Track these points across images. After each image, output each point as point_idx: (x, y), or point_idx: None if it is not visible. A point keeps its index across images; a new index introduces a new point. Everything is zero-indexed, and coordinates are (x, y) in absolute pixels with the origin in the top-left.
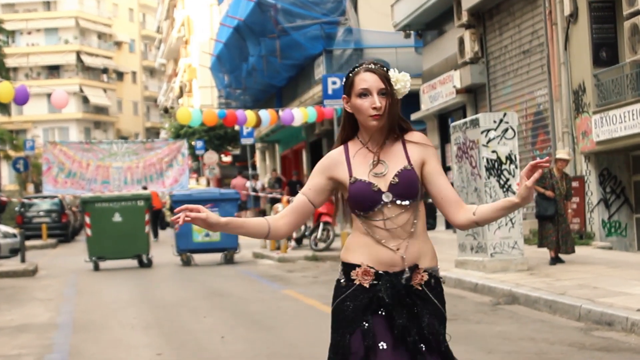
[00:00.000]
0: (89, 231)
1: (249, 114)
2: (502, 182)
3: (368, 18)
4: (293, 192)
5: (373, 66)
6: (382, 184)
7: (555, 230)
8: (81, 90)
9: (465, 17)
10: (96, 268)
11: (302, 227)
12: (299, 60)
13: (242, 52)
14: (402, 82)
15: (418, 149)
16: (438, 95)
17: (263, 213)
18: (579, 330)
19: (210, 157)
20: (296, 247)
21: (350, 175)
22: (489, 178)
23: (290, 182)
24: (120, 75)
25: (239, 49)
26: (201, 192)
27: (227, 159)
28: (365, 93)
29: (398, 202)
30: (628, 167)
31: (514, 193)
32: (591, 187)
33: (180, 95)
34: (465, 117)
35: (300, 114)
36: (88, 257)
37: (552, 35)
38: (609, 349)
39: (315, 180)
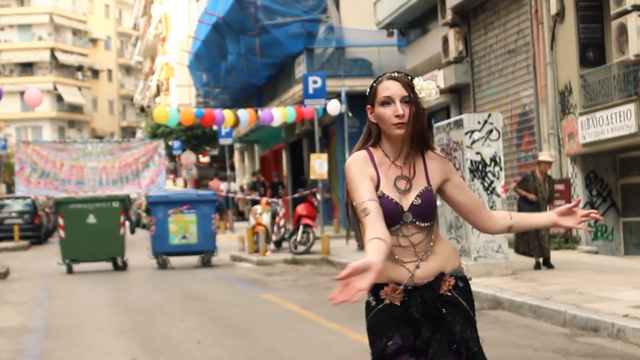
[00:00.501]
0: (62, 233)
1: (227, 114)
2: (486, 185)
3: (350, 16)
4: (274, 194)
5: (396, 74)
6: (404, 203)
7: (537, 236)
8: (55, 89)
9: (449, 16)
10: (69, 271)
11: (282, 230)
12: (279, 58)
13: (220, 50)
14: (426, 90)
15: (438, 167)
16: None
17: (241, 215)
18: (564, 336)
19: (188, 158)
20: (275, 250)
21: (377, 187)
22: (472, 180)
23: (272, 184)
24: (95, 73)
25: (218, 47)
26: (178, 194)
27: (205, 159)
28: (387, 101)
29: (417, 222)
30: (615, 169)
31: (498, 196)
32: (577, 190)
33: (157, 93)
34: (449, 117)
35: (279, 113)
36: (61, 260)
37: (538, 35)
38: (595, 355)
39: (367, 184)
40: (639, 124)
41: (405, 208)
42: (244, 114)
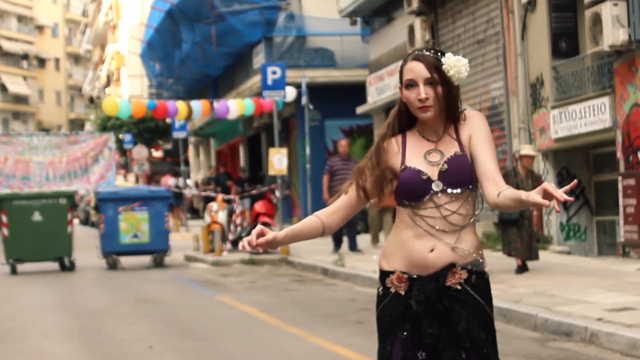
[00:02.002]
0: (5, 231)
1: (181, 105)
2: None
3: (311, 3)
4: (223, 188)
5: (424, 53)
6: (433, 172)
7: (519, 236)
8: None
9: (415, 4)
10: (13, 271)
11: (239, 228)
12: (236, 47)
13: (174, 39)
14: (456, 67)
15: (466, 127)
16: (386, 87)
17: (195, 212)
18: (535, 340)
19: (140, 152)
20: (232, 249)
21: (402, 163)
22: None
23: (239, 180)
24: (41, 62)
25: (172, 35)
26: (129, 190)
27: (157, 154)
28: (411, 84)
29: (449, 190)
30: (588, 166)
31: None
32: None
33: (108, 84)
34: None
35: (236, 106)
36: (4, 260)
37: (509, 24)
38: None
39: (372, 173)
40: (614, 119)
41: (435, 177)
42: (197, 105)
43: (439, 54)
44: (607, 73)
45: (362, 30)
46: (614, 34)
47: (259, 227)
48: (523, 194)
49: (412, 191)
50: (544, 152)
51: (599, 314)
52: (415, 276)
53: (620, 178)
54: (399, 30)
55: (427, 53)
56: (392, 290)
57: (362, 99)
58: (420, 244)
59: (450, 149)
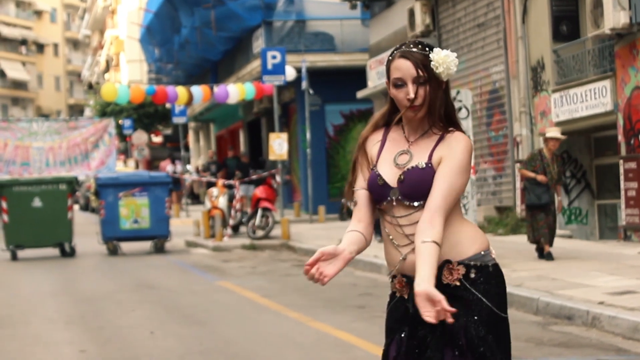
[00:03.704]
0: (5, 217)
1: (180, 91)
2: None
3: None
4: (231, 172)
5: (411, 49)
6: (394, 178)
7: (547, 222)
8: None
9: None
10: (14, 257)
11: (239, 214)
12: (235, 32)
13: (174, 23)
14: (444, 64)
15: (443, 147)
16: None
17: (196, 197)
18: (537, 324)
19: (139, 137)
20: (232, 235)
21: (376, 162)
22: None
23: (243, 165)
24: (40, 47)
25: (171, 20)
26: (129, 176)
27: (157, 139)
28: (399, 83)
29: (404, 201)
30: (589, 149)
31: None
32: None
33: (107, 69)
34: None
35: (236, 90)
36: (5, 246)
37: (509, 8)
38: (569, 344)
39: (368, 167)
40: (615, 102)
41: (394, 184)
42: (198, 90)
43: (427, 49)
44: (608, 56)
45: (362, 14)
46: (615, 17)
47: (330, 250)
48: (418, 275)
49: (372, 193)
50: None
51: (601, 298)
52: (412, 277)
53: (621, 161)
54: (399, 14)
55: (414, 49)
56: (397, 294)
57: (363, 84)
58: (393, 246)
59: (419, 157)
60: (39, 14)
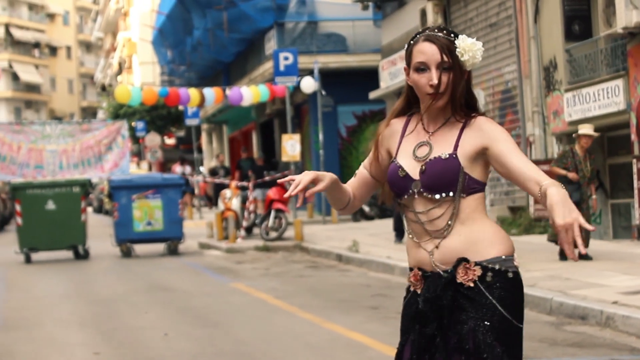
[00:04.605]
0: (19, 220)
1: (193, 93)
2: None
3: None
4: (244, 174)
5: (436, 34)
6: (416, 170)
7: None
8: (10, 67)
9: None
10: (28, 260)
11: (252, 215)
12: (248, 34)
13: (186, 25)
14: (470, 52)
15: (475, 134)
16: (398, 72)
17: (210, 199)
18: (550, 324)
19: (152, 140)
20: (246, 236)
21: (395, 154)
22: None
23: (258, 167)
24: (53, 50)
25: (183, 22)
26: (142, 178)
27: (170, 141)
28: (422, 67)
29: (426, 194)
30: (603, 149)
31: None
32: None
33: (119, 72)
34: None
35: (250, 93)
36: (19, 249)
37: (521, 7)
38: (583, 344)
39: (375, 152)
40: (628, 101)
41: (416, 177)
42: (210, 92)
43: (452, 35)
44: (620, 55)
45: (374, 15)
46: (627, 16)
47: (312, 174)
48: (549, 201)
49: (392, 187)
50: (557, 135)
51: (615, 297)
52: (428, 273)
53: (634, 161)
54: (411, 14)
55: (440, 34)
56: (412, 288)
57: (375, 84)
58: (415, 241)
59: (441, 147)
60: (51, 16)
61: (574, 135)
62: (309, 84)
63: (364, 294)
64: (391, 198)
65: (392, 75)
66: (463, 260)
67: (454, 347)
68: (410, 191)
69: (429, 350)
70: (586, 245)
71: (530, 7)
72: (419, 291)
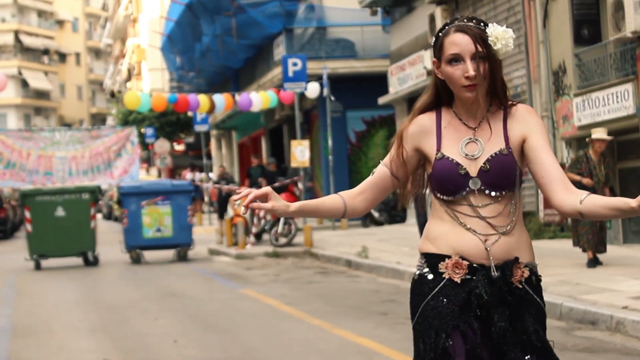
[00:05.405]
0: (29, 227)
1: (202, 99)
2: None
3: None
4: (254, 182)
5: (466, 23)
6: (472, 168)
7: (591, 227)
8: (20, 74)
9: None
10: (37, 267)
11: (262, 221)
12: (256, 40)
13: (195, 32)
14: (502, 40)
15: (519, 125)
16: (407, 77)
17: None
18: (561, 330)
19: (162, 146)
20: (255, 242)
21: (438, 150)
22: None
23: (268, 173)
24: (62, 56)
25: (192, 28)
26: (152, 184)
27: (179, 147)
28: (456, 59)
29: (487, 191)
30: (612, 153)
31: None
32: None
33: (129, 78)
34: None
35: (259, 98)
36: (28, 255)
37: (530, 12)
38: (593, 349)
39: (399, 150)
40: (637, 105)
41: (474, 173)
42: (220, 99)
43: (482, 24)
44: (630, 59)
45: (383, 20)
46: (636, 20)
47: (265, 189)
48: (624, 202)
49: (446, 185)
50: (567, 140)
51: (625, 302)
52: (476, 265)
53: None
54: (419, 19)
55: (470, 23)
56: (446, 275)
57: (384, 90)
58: (469, 233)
59: (493, 142)
60: (60, 23)
61: (587, 139)
62: (314, 89)
63: (373, 299)
64: (409, 199)
65: (400, 81)
66: (516, 260)
67: (522, 343)
68: (468, 189)
69: (487, 343)
70: (598, 251)
71: (539, 11)
72: (458, 280)
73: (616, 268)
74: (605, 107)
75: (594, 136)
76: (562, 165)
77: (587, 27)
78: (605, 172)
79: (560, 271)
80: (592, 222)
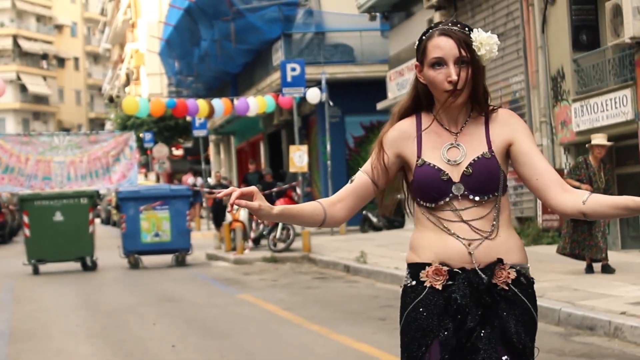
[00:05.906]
0: (27, 231)
1: (201, 104)
2: None
3: None
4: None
5: (451, 27)
6: (455, 173)
7: (590, 234)
8: (19, 78)
9: None
10: (36, 272)
11: (260, 226)
12: (255, 44)
13: (193, 36)
14: (487, 45)
15: (502, 129)
16: (406, 82)
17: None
18: (559, 335)
19: (160, 151)
20: (253, 247)
21: (419, 156)
22: None
23: (248, 175)
24: (61, 61)
25: (191, 33)
26: (150, 189)
27: (178, 152)
28: (439, 63)
29: (471, 196)
30: (611, 159)
31: None
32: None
33: (127, 83)
34: None
35: (256, 103)
36: (27, 260)
37: (529, 17)
38: (591, 355)
39: (380, 155)
40: (636, 111)
41: (456, 179)
42: (219, 103)
43: (466, 28)
44: (628, 65)
45: (382, 26)
46: (635, 26)
47: (251, 188)
48: (632, 200)
49: (429, 191)
50: (565, 145)
51: (623, 308)
52: (457, 269)
53: None
54: (418, 24)
55: (455, 27)
56: (427, 284)
57: (383, 95)
58: (452, 238)
59: (475, 146)
60: (59, 28)
61: (587, 145)
62: (314, 95)
63: (371, 305)
64: (392, 208)
65: (399, 86)
66: (499, 262)
67: (498, 342)
68: (451, 194)
69: (463, 347)
70: (598, 259)
71: (537, 17)
72: (439, 287)
73: (614, 274)
74: (603, 112)
75: (593, 142)
76: (561, 172)
77: (586, 32)
78: (605, 179)
79: (558, 277)
80: (590, 230)
